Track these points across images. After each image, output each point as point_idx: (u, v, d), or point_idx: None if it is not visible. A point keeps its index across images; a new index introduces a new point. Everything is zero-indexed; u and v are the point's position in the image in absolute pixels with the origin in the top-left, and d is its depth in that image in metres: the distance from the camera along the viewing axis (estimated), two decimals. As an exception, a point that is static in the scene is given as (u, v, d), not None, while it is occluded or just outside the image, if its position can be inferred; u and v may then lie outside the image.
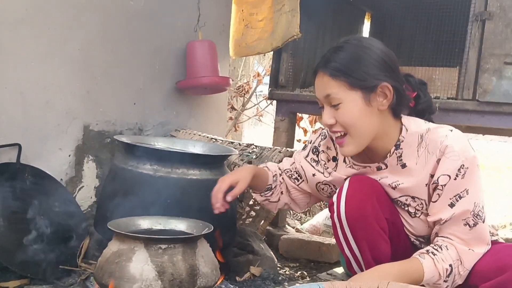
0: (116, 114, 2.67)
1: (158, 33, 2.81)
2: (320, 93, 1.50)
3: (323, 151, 1.72)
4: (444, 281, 1.43)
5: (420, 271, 1.42)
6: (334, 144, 1.69)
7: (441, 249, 1.45)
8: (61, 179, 2.43)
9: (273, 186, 1.80)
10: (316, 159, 1.73)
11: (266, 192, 1.80)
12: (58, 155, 2.43)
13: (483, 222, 1.44)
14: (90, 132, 2.56)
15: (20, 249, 1.96)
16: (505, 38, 2.31)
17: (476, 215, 1.43)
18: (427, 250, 1.46)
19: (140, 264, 1.46)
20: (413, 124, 1.54)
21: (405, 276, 1.40)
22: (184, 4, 2.95)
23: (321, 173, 1.71)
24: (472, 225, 1.43)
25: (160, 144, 2.34)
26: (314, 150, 1.75)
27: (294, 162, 1.81)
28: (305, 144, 1.82)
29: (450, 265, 1.43)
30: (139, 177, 1.96)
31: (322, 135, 1.74)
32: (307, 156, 1.76)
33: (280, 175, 1.82)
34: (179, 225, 1.73)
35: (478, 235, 1.44)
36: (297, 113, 3.33)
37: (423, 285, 1.41)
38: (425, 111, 1.62)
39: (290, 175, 1.80)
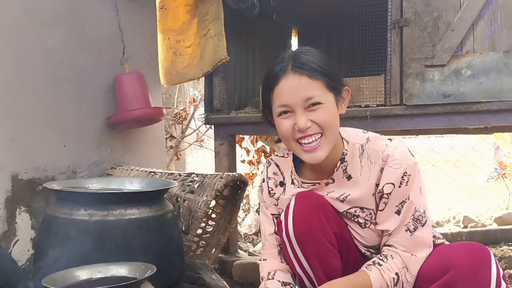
0: (46, 159, 2.54)
1: (82, 70, 2.73)
2: (297, 97, 1.42)
3: (269, 177, 1.68)
4: None
5: (368, 283, 1.43)
6: (280, 169, 1.67)
7: (387, 259, 1.46)
8: (-7, 236, 2.28)
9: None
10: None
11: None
12: (-14, 210, 2.28)
13: (423, 226, 1.46)
14: (20, 182, 2.43)
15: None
16: (423, 42, 2.40)
17: (415, 219, 1.46)
18: (373, 261, 1.48)
19: (81, 320, 1.37)
20: (352, 135, 1.56)
21: None
22: (107, 38, 2.88)
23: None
24: (413, 230, 1.46)
25: (95, 185, 2.25)
26: (268, 181, 1.69)
27: (272, 213, 1.68)
28: (259, 187, 1.73)
29: (397, 274, 1.44)
30: (74, 225, 1.86)
31: (267, 163, 1.71)
32: (269, 192, 1.68)
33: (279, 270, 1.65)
34: (121, 270, 1.65)
35: (419, 240, 1.47)
36: (237, 135, 3.32)
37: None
38: None
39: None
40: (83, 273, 1.63)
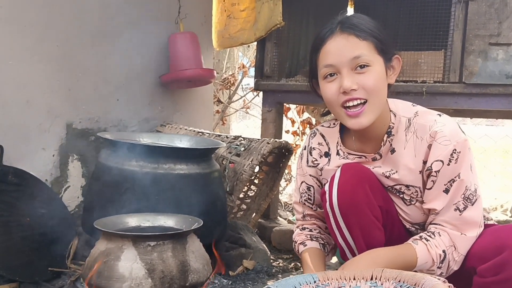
0: (99, 111, 2.62)
1: (137, 25, 2.76)
2: (344, 55, 1.37)
3: (314, 148, 1.65)
4: (438, 267, 1.42)
5: (413, 256, 1.40)
6: (325, 140, 1.64)
7: (434, 236, 1.43)
8: (46, 180, 2.38)
9: (328, 247, 1.68)
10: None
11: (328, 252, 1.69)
12: (41, 155, 2.38)
13: (473, 205, 1.42)
14: (74, 130, 2.51)
15: (7, 253, 1.92)
16: (489, 18, 2.29)
17: (466, 198, 1.41)
18: (421, 236, 1.45)
19: (129, 262, 1.42)
20: (401, 107, 1.51)
21: (397, 260, 1.39)
22: (164, -5, 2.89)
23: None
24: (462, 209, 1.42)
25: (146, 139, 2.30)
26: (311, 151, 1.67)
27: (302, 181, 1.68)
28: (299, 154, 1.72)
29: (444, 251, 1.41)
30: (125, 174, 1.92)
31: (311, 134, 1.68)
32: (307, 161, 1.67)
33: (315, 229, 1.68)
34: (168, 221, 1.70)
35: (469, 219, 1.42)
36: (284, 104, 3.30)
37: (416, 271, 1.40)
38: None
39: (307, 199, 1.68)
40: (132, 220, 1.69)
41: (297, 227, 1.72)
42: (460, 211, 1.41)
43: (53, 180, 2.44)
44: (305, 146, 1.68)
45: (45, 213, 2.17)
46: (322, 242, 1.65)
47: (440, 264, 1.41)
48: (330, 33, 1.41)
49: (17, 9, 2.23)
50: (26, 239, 2.01)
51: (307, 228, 1.68)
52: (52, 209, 2.23)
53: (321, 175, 1.64)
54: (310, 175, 1.66)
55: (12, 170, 2.15)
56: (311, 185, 1.66)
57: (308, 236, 1.65)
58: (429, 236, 1.43)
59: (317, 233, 1.67)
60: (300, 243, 1.65)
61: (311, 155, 1.65)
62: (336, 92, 1.40)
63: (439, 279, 1.08)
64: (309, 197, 1.67)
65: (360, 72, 1.38)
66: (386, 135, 1.49)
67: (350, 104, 1.40)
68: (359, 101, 1.39)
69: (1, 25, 2.17)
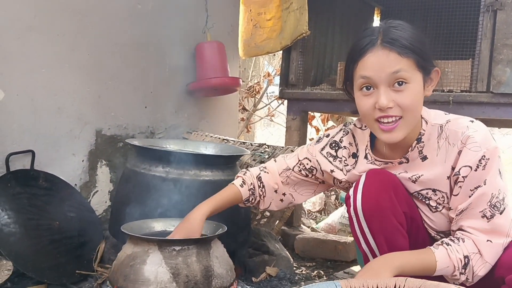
0: (127, 118, 2.68)
1: (167, 35, 2.82)
2: (383, 71, 1.36)
3: (345, 147, 1.65)
4: (461, 273, 1.38)
5: (432, 260, 1.37)
6: (355, 141, 1.65)
7: (458, 241, 1.40)
8: (75, 184, 2.44)
9: (251, 199, 1.73)
10: (334, 154, 1.67)
11: (247, 203, 1.74)
12: (71, 161, 2.45)
13: (501, 213, 1.39)
14: (103, 137, 2.57)
15: (36, 255, 1.97)
16: (518, 27, 2.26)
17: (493, 206, 1.39)
18: (442, 241, 1.42)
19: (155, 266, 1.45)
20: (433, 116, 1.50)
21: (414, 263, 1.37)
22: (192, 5, 2.95)
23: (340, 170, 1.66)
24: (490, 217, 1.39)
25: (172, 146, 2.34)
26: (334, 144, 1.68)
27: (305, 157, 1.73)
28: (320, 137, 1.75)
29: (466, 257, 1.38)
30: (152, 180, 1.96)
31: (344, 131, 1.68)
32: (322, 149, 1.69)
33: (260, 184, 1.73)
34: (193, 226, 1.71)
35: (496, 227, 1.39)
36: (309, 112, 3.31)
37: (440, 279, 1.38)
38: None
39: (299, 170, 1.74)
40: (158, 225, 1.72)
41: (255, 167, 1.78)
42: (488, 218, 1.38)
43: (82, 185, 2.50)
44: (329, 135, 1.69)
45: (74, 217, 2.23)
46: (250, 192, 1.72)
47: (463, 270, 1.38)
48: (371, 45, 1.38)
49: (49, 18, 2.30)
50: (55, 242, 2.07)
51: (255, 175, 1.73)
52: (81, 213, 2.29)
53: (345, 174, 1.64)
54: (317, 160, 1.69)
55: (42, 175, 2.22)
56: (313, 167, 1.71)
57: (244, 180, 1.72)
58: (452, 241, 1.41)
59: (257, 186, 1.72)
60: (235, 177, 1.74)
61: (331, 148, 1.67)
62: (371, 107, 1.40)
63: (463, 289, 1.07)
64: (300, 169, 1.72)
65: (398, 90, 1.37)
66: (415, 142, 1.48)
67: (385, 120, 1.40)
68: (393, 118, 1.39)
69: (34, 34, 2.25)
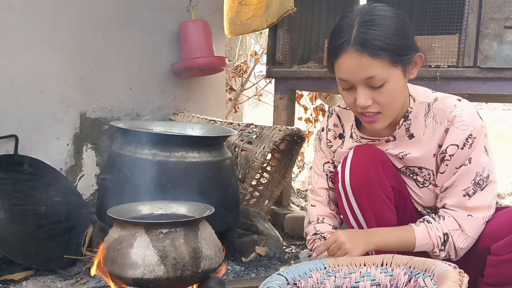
0: (112, 100, 2.63)
1: (150, 14, 2.76)
2: (357, 75, 1.35)
3: (329, 129, 1.66)
4: (441, 250, 1.42)
5: (412, 237, 1.42)
6: (340, 121, 1.64)
7: (439, 218, 1.44)
8: (61, 169, 2.41)
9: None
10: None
11: None
12: (56, 145, 2.41)
13: (482, 190, 1.41)
14: (87, 120, 2.54)
15: (23, 241, 1.95)
16: (504, 1, 2.24)
17: (476, 184, 1.41)
18: (424, 219, 1.46)
19: (142, 249, 1.44)
20: (420, 93, 1.50)
21: (392, 239, 1.42)
22: (175, -17, 2.89)
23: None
24: (472, 194, 1.41)
25: (158, 128, 2.31)
26: (328, 132, 1.67)
27: (324, 163, 1.67)
28: (317, 137, 1.72)
29: (446, 234, 1.41)
30: (138, 162, 1.94)
31: (329, 113, 1.68)
32: (329, 142, 1.67)
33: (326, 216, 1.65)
34: (180, 208, 1.70)
35: (476, 203, 1.41)
36: (297, 90, 3.28)
37: (425, 255, 1.39)
38: None
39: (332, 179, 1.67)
40: (145, 208, 1.70)
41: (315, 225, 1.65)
42: (469, 196, 1.41)
43: (68, 169, 2.47)
44: (323, 128, 1.68)
45: (60, 202, 2.20)
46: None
47: (442, 247, 1.42)
48: (344, 47, 1.35)
49: (29, -1, 2.24)
50: (42, 228, 2.05)
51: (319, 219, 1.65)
52: (67, 198, 2.27)
53: (333, 157, 1.65)
54: (333, 154, 1.66)
55: (27, 160, 2.19)
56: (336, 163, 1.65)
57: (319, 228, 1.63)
58: (433, 219, 1.45)
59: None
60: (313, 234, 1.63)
61: (327, 138, 1.66)
62: (353, 102, 1.41)
63: (449, 265, 1.07)
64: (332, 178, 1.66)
65: (375, 90, 1.36)
66: (402, 119, 1.49)
67: (366, 114, 1.42)
68: (373, 113, 1.41)
69: (14, 15, 2.19)
